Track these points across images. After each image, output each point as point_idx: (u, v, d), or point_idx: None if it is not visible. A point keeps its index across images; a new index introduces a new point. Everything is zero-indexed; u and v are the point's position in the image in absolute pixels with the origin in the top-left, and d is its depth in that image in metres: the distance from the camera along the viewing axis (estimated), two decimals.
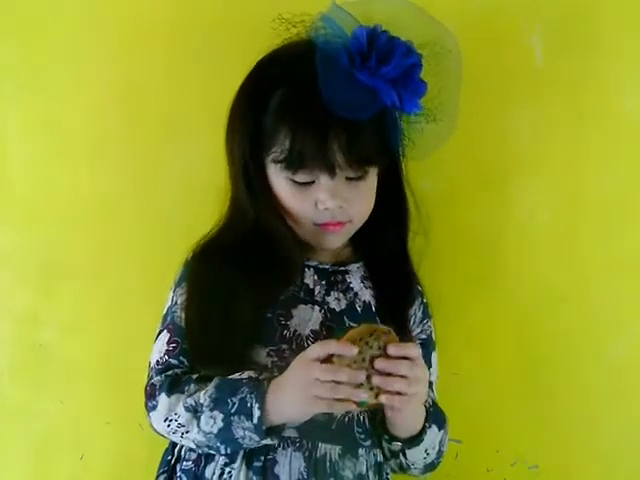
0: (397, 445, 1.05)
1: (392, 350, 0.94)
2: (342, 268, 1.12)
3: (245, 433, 0.97)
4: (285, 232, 1.06)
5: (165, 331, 1.08)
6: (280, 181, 1.05)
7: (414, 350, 0.96)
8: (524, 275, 1.28)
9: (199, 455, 1.04)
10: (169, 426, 1.02)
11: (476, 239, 1.28)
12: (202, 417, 0.98)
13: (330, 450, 1.03)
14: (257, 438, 0.97)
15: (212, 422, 0.98)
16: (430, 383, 1.11)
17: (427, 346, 1.14)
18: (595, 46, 1.25)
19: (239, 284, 1.03)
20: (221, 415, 0.97)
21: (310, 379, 0.93)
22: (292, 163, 1.01)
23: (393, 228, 1.14)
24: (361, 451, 1.05)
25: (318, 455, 1.02)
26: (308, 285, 1.08)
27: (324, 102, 0.97)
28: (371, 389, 0.93)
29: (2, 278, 1.32)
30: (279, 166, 1.03)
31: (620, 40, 1.25)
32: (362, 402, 0.93)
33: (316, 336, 1.05)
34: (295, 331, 1.05)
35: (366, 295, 1.11)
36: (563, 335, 1.27)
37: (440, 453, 1.09)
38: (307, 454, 1.01)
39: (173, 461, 1.07)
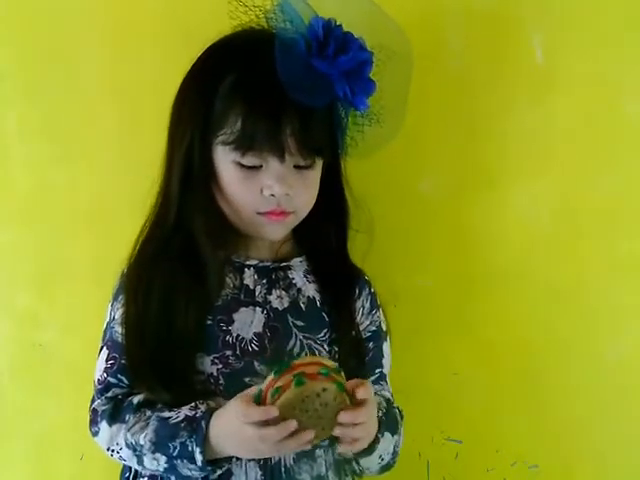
0: (349, 456, 1.03)
1: (345, 418, 0.90)
2: (284, 264, 1.09)
3: (192, 472, 0.96)
4: (207, 230, 1.03)
5: (104, 348, 1.06)
6: (226, 165, 1.02)
7: (366, 394, 0.92)
8: (524, 275, 1.27)
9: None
10: (112, 456, 1.01)
11: (476, 239, 1.28)
12: (145, 458, 0.98)
13: (284, 456, 1.01)
14: (205, 474, 0.97)
15: (156, 463, 0.97)
16: (383, 375, 1.11)
17: (377, 337, 1.12)
18: (596, 46, 1.24)
19: (171, 293, 1.02)
20: (164, 457, 0.96)
21: (248, 439, 0.90)
22: (242, 144, 0.99)
23: (333, 224, 1.12)
24: (319, 452, 1.04)
25: (273, 462, 1.00)
26: (248, 286, 1.06)
27: (279, 87, 0.95)
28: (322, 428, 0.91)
29: (2, 278, 1.32)
30: (227, 148, 1.00)
31: (621, 40, 1.24)
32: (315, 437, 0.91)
33: (259, 339, 1.03)
34: (238, 335, 1.03)
35: (310, 290, 1.09)
36: (563, 335, 1.27)
37: (395, 454, 1.07)
38: (262, 462, 1.00)
39: (131, 478, 1.07)
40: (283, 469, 1.01)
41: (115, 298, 1.08)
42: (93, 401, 1.05)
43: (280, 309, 1.06)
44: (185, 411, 0.97)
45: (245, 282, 1.06)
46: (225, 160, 1.02)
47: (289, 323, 1.05)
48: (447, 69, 1.27)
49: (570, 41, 1.25)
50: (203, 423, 0.94)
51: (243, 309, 1.04)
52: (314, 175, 1.06)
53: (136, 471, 1.06)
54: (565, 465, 1.28)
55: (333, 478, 1.05)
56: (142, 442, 0.97)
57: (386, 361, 1.12)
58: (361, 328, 1.11)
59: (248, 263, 1.07)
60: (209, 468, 0.95)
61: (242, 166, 1.01)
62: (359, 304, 1.12)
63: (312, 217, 1.09)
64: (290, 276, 1.09)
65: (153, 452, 0.97)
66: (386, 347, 1.13)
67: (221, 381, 1.00)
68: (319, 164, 1.06)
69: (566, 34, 1.25)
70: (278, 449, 0.91)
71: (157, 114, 1.28)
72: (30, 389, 1.32)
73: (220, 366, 1.01)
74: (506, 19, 1.26)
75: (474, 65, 1.25)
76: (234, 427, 0.91)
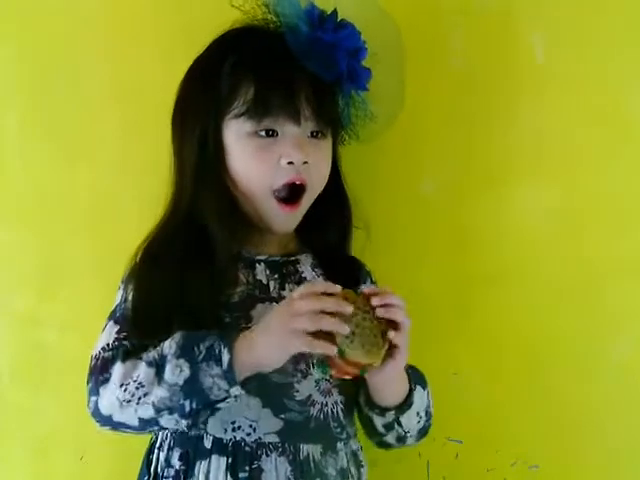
0: (391, 415, 1.03)
1: (376, 300, 0.93)
2: (292, 258, 1.10)
3: (214, 381, 0.92)
4: (220, 218, 1.03)
5: (112, 322, 1.03)
6: (240, 140, 1.02)
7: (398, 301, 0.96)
8: (524, 275, 1.27)
9: (177, 472, 1.01)
10: (125, 391, 0.95)
11: (476, 239, 1.28)
12: (167, 367, 0.93)
13: (312, 450, 1.02)
14: (226, 386, 0.92)
15: (178, 371, 0.93)
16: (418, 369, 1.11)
17: None
18: (596, 45, 1.25)
19: (185, 290, 1.01)
20: (188, 363, 0.92)
21: (291, 313, 0.90)
22: (257, 110, 1.00)
23: (335, 219, 1.13)
24: (339, 445, 1.05)
25: (302, 457, 1.01)
26: (261, 281, 1.06)
27: (287, 55, 1.00)
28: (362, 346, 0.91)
29: (2, 278, 1.32)
30: (241, 120, 1.01)
31: (621, 39, 1.25)
32: (342, 350, 0.90)
33: None
34: None
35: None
36: (564, 335, 1.27)
37: (429, 415, 1.09)
38: (291, 457, 1.00)
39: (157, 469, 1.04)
40: (312, 463, 1.01)
41: (127, 281, 1.06)
42: (97, 360, 1.00)
43: None
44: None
45: (258, 277, 1.06)
46: (239, 134, 1.02)
47: None
48: (447, 69, 1.27)
49: (570, 41, 1.25)
50: (234, 333, 0.94)
51: (259, 305, 1.04)
52: (327, 147, 1.07)
53: (155, 474, 1.04)
54: (565, 465, 1.28)
55: (354, 471, 1.07)
56: (167, 350, 0.94)
57: None
58: None
59: (258, 258, 1.08)
60: (234, 373, 0.91)
61: (257, 136, 1.02)
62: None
63: (314, 212, 1.09)
64: (300, 269, 1.10)
65: (178, 357, 0.93)
66: None
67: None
68: (330, 138, 1.08)
69: (566, 34, 1.25)
70: (310, 343, 0.89)
71: (158, 114, 1.28)
72: (30, 389, 1.31)
73: None
74: (506, 19, 1.26)
75: (474, 65, 1.26)
76: (278, 312, 0.92)
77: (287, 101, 1.00)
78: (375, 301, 0.93)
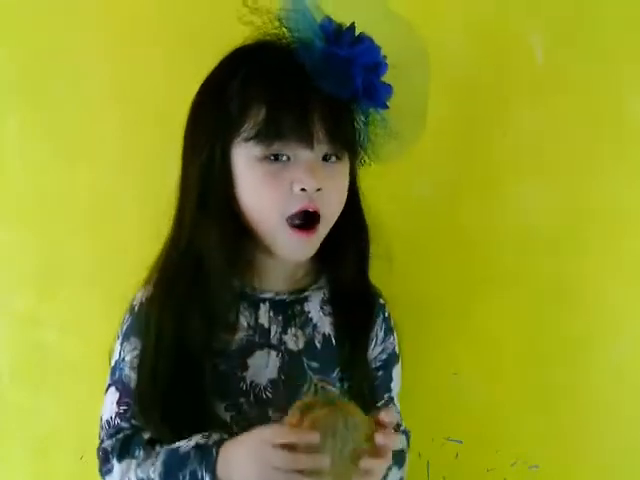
0: None
1: (381, 439, 0.87)
2: (301, 295, 1.05)
3: None
4: (222, 250, 0.97)
5: (114, 388, 1.02)
6: (249, 165, 0.95)
7: (392, 420, 0.90)
8: (524, 275, 1.27)
9: None
10: None
11: (476, 240, 1.28)
12: None
13: None
14: None
15: None
16: (391, 398, 1.09)
17: (387, 364, 1.09)
18: (595, 46, 1.25)
19: (184, 334, 0.97)
20: None
21: (267, 465, 0.86)
22: (268, 133, 0.93)
23: (352, 246, 1.06)
24: None
25: None
26: (263, 325, 1.02)
27: (300, 74, 0.92)
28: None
29: (2, 278, 1.32)
30: (251, 143, 0.94)
31: (620, 40, 1.25)
32: None
33: (274, 386, 1.00)
34: (252, 382, 0.99)
35: (325, 326, 1.05)
36: (563, 335, 1.27)
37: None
38: None
39: None
40: None
41: (125, 337, 1.03)
42: (102, 442, 1.02)
43: (295, 350, 1.02)
44: (196, 439, 0.93)
45: (260, 321, 1.02)
46: (248, 159, 0.95)
47: (304, 366, 1.02)
48: (447, 70, 1.27)
49: (570, 42, 1.25)
50: (214, 450, 0.90)
51: (258, 353, 1.01)
52: (343, 171, 1.00)
53: None
54: (565, 465, 1.28)
55: None
56: (152, 476, 0.94)
57: (395, 384, 1.10)
58: (372, 357, 1.08)
59: (263, 296, 1.03)
60: None
61: (268, 161, 0.94)
62: (373, 334, 1.08)
63: (330, 237, 1.02)
64: (306, 309, 1.05)
65: None
66: (396, 370, 1.11)
67: (234, 429, 0.96)
68: (346, 161, 1.00)
69: (566, 35, 1.25)
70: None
71: (158, 114, 1.29)
72: (30, 389, 1.32)
73: (233, 413, 0.98)
74: (506, 19, 1.26)
75: (474, 65, 1.26)
76: (250, 450, 0.87)
77: (299, 123, 0.93)
78: (379, 440, 0.87)
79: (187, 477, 0.91)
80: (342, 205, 1.01)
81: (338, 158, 0.99)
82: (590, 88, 1.24)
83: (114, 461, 0.99)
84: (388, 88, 0.99)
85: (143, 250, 1.29)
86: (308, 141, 0.94)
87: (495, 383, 1.28)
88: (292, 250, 0.99)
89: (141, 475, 0.95)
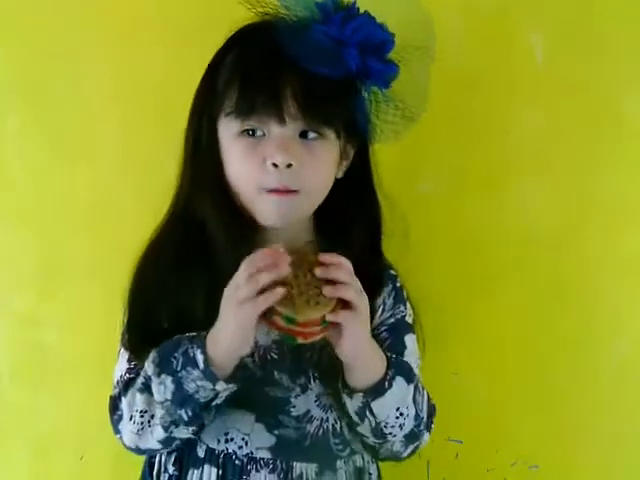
0: (359, 397, 0.95)
1: (319, 272, 0.88)
2: None
3: (197, 384, 0.91)
4: (222, 220, 1.00)
5: (123, 349, 1.04)
6: (230, 140, 0.99)
7: (343, 260, 0.90)
8: (524, 275, 1.27)
9: (170, 477, 1.01)
10: (134, 422, 0.97)
11: (477, 239, 1.28)
12: (153, 388, 0.94)
13: (306, 469, 0.99)
14: (210, 385, 0.91)
15: (163, 388, 0.93)
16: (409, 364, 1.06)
17: (395, 329, 1.06)
18: (596, 46, 1.25)
19: (181, 291, 0.99)
20: (169, 377, 0.93)
21: (234, 289, 0.88)
22: (241, 110, 0.96)
23: (362, 229, 1.06)
24: (339, 463, 1.01)
25: (294, 476, 0.98)
26: None
27: (278, 52, 0.93)
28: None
29: (2, 278, 1.32)
30: (230, 118, 0.98)
31: (620, 40, 1.25)
32: (290, 318, 0.87)
33: (279, 346, 1.00)
34: (257, 342, 0.98)
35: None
36: (564, 335, 1.27)
37: (420, 420, 1.00)
38: (282, 475, 0.98)
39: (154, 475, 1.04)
40: None
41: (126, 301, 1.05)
42: (109, 407, 1.02)
43: None
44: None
45: None
46: (229, 134, 0.99)
47: None
48: (447, 69, 1.26)
49: (570, 42, 1.25)
50: (203, 333, 0.92)
51: None
52: (324, 149, 1.00)
53: (157, 478, 1.04)
54: (565, 465, 1.28)
55: None
56: (149, 371, 0.95)
57: (410, 352, 1.06)
58: (378, 323, 1.06)
59: None
60: (212, 370, 0.90)
61: (246, 135, 0.98)
62: (379, 301, 1.07)
63: (337, 214, 1.04)
64: None
65: (158, 375, 0.93)
66: (409, 339, 1.07)
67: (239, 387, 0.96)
68: (330, 139, 1.00)
69: (566, 35, 1.25)
70: (255, 304, 0.86)
71: (158, 114, 1.29)
72: (30, 389, 1.32)
73: (238, 373, 0.97)
74: (505, 19, 1.26)
75: (473, 65, 1.26)
76: (223, 302, 0.90)
77: (270, 99, 0.95)
78: (319, 273, 0.88)
79: (180, 359, 0.92)
80: (324, 182, 1.02)
81: (320, 135, 0.99)
82: (590, 88, 1.24)
83: (120, 401, 0.99)
84: (392, 67, 1.00)
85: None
86: (279, 117, 0.96)
87: (495, 383, 1.28)
88: (269, 213, 1.00)
89: (139, 382, 0.96)
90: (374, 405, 0.96)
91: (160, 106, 1.28)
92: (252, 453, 0.98)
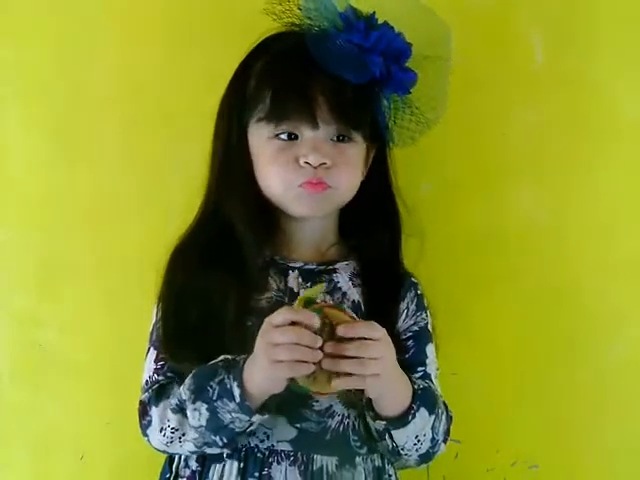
0: (380, 424, 0.99)
1: (341, 331, 0.91)
2: (330, 267, 1.08)
3: (232, 416, 0.94)
4: (249, 222, 1.03)
5: (152, 348, 1.06)
6: (262, 143, 1.03)
7: (367, 330, 0.92)
8: (524, 275, 1.28)
9: (193, 472, 1.03)
10: (165, 435, 1.00)
11: (476, 240, 1.28)
12: (188, 413, 0.96)
13: (326, 462, 1.00)
14: (245, 417, 0.94)
15: (198, 415, 0.95)
16: (427, 374, 1.09)
17: (419, 337, 1.10)
18: (595, 46, 1.25)
19: (212, 292, 1.01)
20: (204, 405, 0.95)
21: (271, 343, 0.90)
22: (274, 115, 1.00)
23: (384, 229, 1.11)
24: (358, 459, 1.03)
25: (314, 468, 1.00)
26: (292, 289, 1.05)
27: (310, 59, 0.98)
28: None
29: (2, 278, 1.32)
30: (263, 124, 1.02)
31: (620, 40, 1.25)
32: (306, 388, 0.91)
33: None
34: None
35: (355, 294, 1.07)
36: (563, 335, 1.27)
37: (435, 442, 1.03)
38: (302, 468, 0.99)
39: (172, 479, 1.06)
40: (325, 476, 1.00)
41: (159, 300, 1.07)
42: (139, 410, 1.04)
43: None
44: (224, 356, 0.97)
45: (289, 285, 1.05)
46: (261, 138, 1.03)
47: None
48: None
49: (569, 41, 1.26)
50: (241, 361, 0.94)
51: None
52: (354, 152, 1.05)
53: (176, 473, 1.05)
54: (565, 465, 1.28)
55: None
56: (183, 396, 0.97)
57: (430, 361, 1.10)
58: (403, 328, 1.09)
59: (292, 265, 1.06)
60: (247, 404, 0.93)
61: (278, 139, 1.02)
62: (403, 306, 1.10)
63: (360, 216, 1.09)
64: (335, 279, 1.07)
65: (194, 402, 0.95)
66: (430, 349, 1.11)
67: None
68: (358, 142, 1.05)
69: (565, 34, 1.25)
70: (291, 368, 0.89)
71: (158, 114, 1.29)
72: (30, 389, 1.31)
73: None
74: (505, 19, 1.26)
75: (473, 65, 1.26)
76: (260, 341, 0.92)
77: (302, 105, 1.00)
78: (349, 353, 0.90)
79: (216, 389, 0.94)
80: (354, 184, 1.06)
81: (350, 139, 1.04)
82: (589, 88, 1.25)
83: (152, 409, 1.01)
84: (411, 75, 1.05)
85: (144, 250, 1.30)
86: (312, 121, 1.00)
87: (495, 383, 1.28)
88: (302, 204, 1.03)
89: (174, 402, 0.98)
90: (395, 433, 1.00)
91: (161, 106, 1.29)
92: (273, 446, 1.00)
